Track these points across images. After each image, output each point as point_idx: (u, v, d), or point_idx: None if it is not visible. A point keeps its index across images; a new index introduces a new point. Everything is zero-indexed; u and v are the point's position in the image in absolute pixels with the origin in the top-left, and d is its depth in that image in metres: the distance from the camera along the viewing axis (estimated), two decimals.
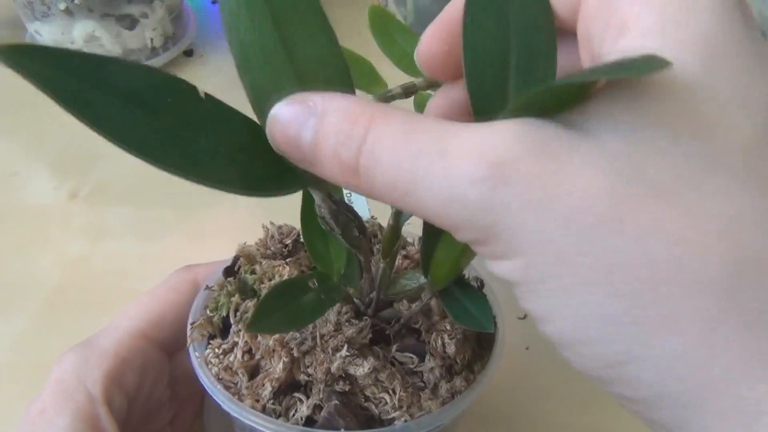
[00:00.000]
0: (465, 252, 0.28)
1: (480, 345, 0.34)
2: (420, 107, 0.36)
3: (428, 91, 0.33)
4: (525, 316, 0.50)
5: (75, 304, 0.51)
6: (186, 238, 0.57)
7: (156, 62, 0.73)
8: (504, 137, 0.19)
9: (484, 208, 0.19)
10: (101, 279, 0.53)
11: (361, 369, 0.29)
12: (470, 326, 0.30)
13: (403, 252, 0.37)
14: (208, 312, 0.34)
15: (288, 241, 0.38)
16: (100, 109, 0.19)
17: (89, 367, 0.33)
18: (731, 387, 0.17)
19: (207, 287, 0.35)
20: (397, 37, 0.34)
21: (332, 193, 0.27)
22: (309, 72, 0.23)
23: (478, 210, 0.19)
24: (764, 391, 0.17)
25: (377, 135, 0.20)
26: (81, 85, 0.19)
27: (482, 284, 0.36)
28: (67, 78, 0.19)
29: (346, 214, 0.28)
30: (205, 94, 0.22)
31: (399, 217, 0.32)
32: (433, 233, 0.29)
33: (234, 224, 0.58)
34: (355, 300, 0.33)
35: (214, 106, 0.22)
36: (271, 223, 0.39)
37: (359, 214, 0.28)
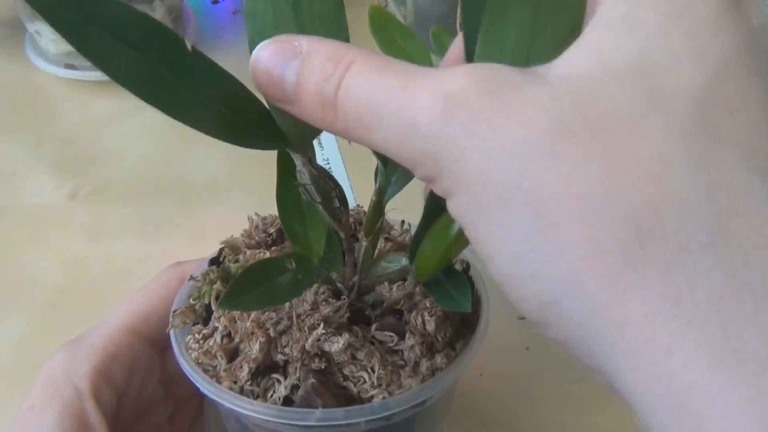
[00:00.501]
0: (454, 244, 0.28)
1: (464, 325, 0.34)
2: None
3: None
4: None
5: (75, 304, 0.52)
6: (186, 238, 0.57)
7: None
8: (460, 76, 0.20)
9: (434, 136, 0.20)
10: (101, 279, 0.54)
11: (336, 345, 0.28)
12: (449, 307, 0.30)
13: (386, 235, 0.37)
14: (191, 300, 0.34)
15: (272, 230, 0.38)
16: (90, 39, 0.21)
17: (77, 362, 0.33)
18: (644, 324, 0.17)
19: (192, 278, 0.35)
20: (396, 37, 0.34)
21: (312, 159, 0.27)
22: (310, 27, 0.24)
23: (429, 139, 0.20)
24: (676, 329, 0.17)
25: (354, 72, 0.21)
26: (73, 15, 0.20)
27: (468, 266, 0.36)
28: (61, 6, 0.20)
29: (326, 181, 0.28)
30: (192, 47, 0.22)
31: (383, 193, 0.32)
32: (426, 221, 0.29)
33: (234, 224, 0.58)
34: (337, 284, 0.33)
35: (200, 59, 0.23)
36: (256, 214, 0.39)
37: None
